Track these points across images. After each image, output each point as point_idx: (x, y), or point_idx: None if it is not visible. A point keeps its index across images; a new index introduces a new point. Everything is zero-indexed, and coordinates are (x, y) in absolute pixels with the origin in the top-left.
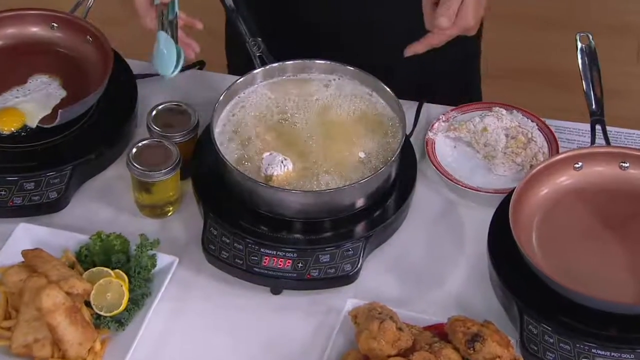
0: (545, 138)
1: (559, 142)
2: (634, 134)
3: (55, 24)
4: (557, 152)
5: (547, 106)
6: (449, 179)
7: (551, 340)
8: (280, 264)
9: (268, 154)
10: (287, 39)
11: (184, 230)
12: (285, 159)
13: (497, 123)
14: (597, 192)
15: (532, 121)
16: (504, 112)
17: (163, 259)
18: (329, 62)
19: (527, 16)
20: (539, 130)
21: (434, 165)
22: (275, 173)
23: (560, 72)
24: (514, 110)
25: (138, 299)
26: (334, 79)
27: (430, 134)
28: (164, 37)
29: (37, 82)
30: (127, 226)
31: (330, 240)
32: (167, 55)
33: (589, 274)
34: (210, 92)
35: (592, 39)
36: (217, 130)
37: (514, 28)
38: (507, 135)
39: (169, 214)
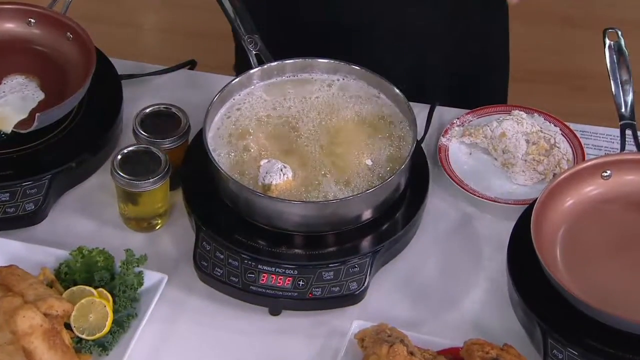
0: (570, 144)
1: (584, 149)
2: None
3: (32, 20)
4: (583, 159)
5: (571, 110)
6: (464, 188)
7: None
8: (279, 282)
9: (266, 161)
10: (289, 38)
11: (173, 245)
12: (285, 167)
13: (517, 127)
14: (627, 203)
15: (555, 125)
16: (524, 115)
17: (151, 277)
18: (331, 61)
19: (548, 14)
20: (563, 135)
21: (448, 174)
22: (274, 182)
23: (585, 74)
24: (535, 114)
25: (123, 321)
26: (338, 79)
27: (443, 140)
28: None
29: (13, 83)
30: (112, 241)
31: (334, 255)
32: None
33: (619, 293)
34: (202, 94)
35: (621, 35)
36: (210, 135)
37: (532, 27)
38: (527, 141)
39: (158, 227)
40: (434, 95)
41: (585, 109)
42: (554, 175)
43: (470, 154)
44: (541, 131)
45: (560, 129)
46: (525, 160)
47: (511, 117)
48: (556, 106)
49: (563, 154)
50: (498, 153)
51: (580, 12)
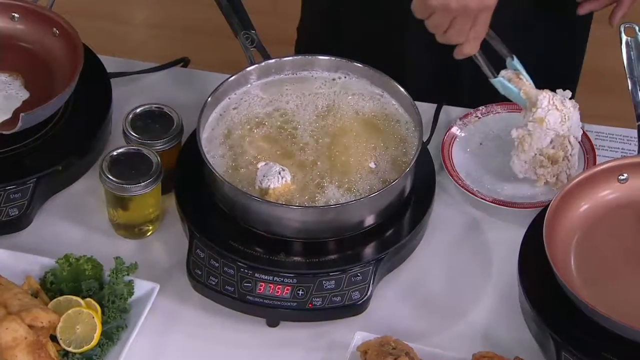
0: (581, 147)
1: (596, 152)
2: None
3: (16, 15)
4: (595, 164)
5: (586, 111)
6: (471, 193)
7: None
8: (277, 292)
9: (263, 163)
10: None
11: (165, 252)
12: (283, 170)
13: (557, 124)
14: None
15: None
16: (572, 110)
17: (141, 286)
18: (333, 58)
19: None
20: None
21: (451, 175)
22: (271, 186)
23: (600, 71)
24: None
25: (112, 333)
26: (339, 77)
27: (455, 127)
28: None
29: None
30: (100, 248)
31: (336, 263)
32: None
33: (637, 304)
34: (196, 93)
35: (639, 30)
36: (204, 136)
37: None
38: (551, 142)
39: (149, 233)
40: (443, 94)
41: (600, 109)
42: (545, 182)
43: (481, 144)
44: (567, 139)
45: None
46: (535, 155)
47: (562, 107)
48: None
49: (567, 168)
50: (524, 129)
51: None
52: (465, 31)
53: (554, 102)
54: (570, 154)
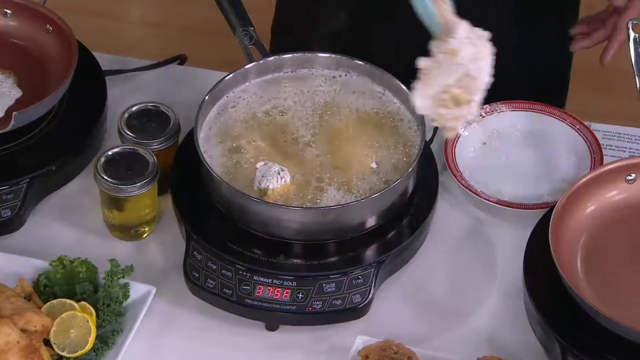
0: (588, 146)
1: (603, 151)
2: None
3: (8, 11)
4: (602, 164)
5: (592, 110)
6: (475, 193)
7: None
8: (276, 295)
9: (262, 163)
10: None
11: (162, 254)
12: (283, 170)
13: (470, 62)
14: None
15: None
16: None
17: (137, 289)
18: (333, 56)
19: None
20: (581, 135)
21: (454, 175)
22: (270, 186)
23: (606, 70)
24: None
25: (107, 337)
26: (340, 75)
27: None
28: None
29: None
30: (95, 250)
31: (336, 266)
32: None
33: None
34: (193, 91)
35: None
36: (201, 135)
37: None
38: (459, 80)
39: (145, 235)
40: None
41: (608, 107)
42: (441, 125)
43: (485, 143)
44: (475, 82)
45: (579, 129)
46: (439, 92)
47: (478, 45)
48: (575, 105)
49: (468, 113)
50: (433, 59)
51: (602, 1)
52: None
53: (471, 36)
54: (474, 99)
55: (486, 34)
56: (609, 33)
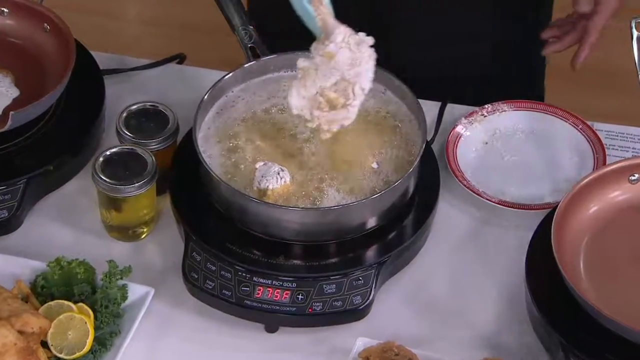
0: (591, 146)
1: (606, 151)
2: None
3: (5, 10)
4: (604, 164)
5: (596, 109)
6: (476, 193)
7: None
8: (276, 296)
9: (261, 163)
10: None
11: (160, 255)
12: (282, 170)
13: (346, 66)
14: None
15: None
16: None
17: (135, 290)
18: None
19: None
20: (583, 134)
21: (455, 175)
22: (270, 186)
23: (608, 69)
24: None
25: (105, 339)
26: None
27: (460, 126)
28: None
29: None
30: (93, 251)
31: (336, 267)
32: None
33: None
34: (192, 90)
35: None
36: (200, 135)
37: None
38: (335, 84)
39: (143, 236)
40: (445, 92)
41: (610, 107)
42: (318, 126)
43: (487, 143)
44: (352, 87)
45: (581, 129)
46: (316, 93)
47: (356, 50)
48: (578, 104)
49: (344, 118)
50: (311, 61)
51: None
52: None
53: (349, 41)
54: (351, 104)
55: (368, 40)
56: (579, 36)
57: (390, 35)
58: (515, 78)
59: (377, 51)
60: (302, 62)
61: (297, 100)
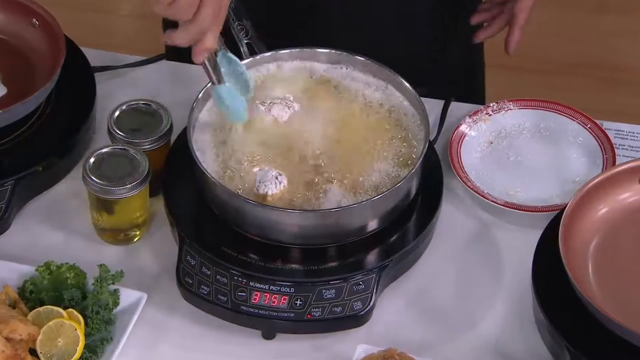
0: (600, 146)
1: (615, 151)
2: None
3: None
4: (614, 164)
5: (605, 107)
6: (480, 195)
7: None
8: (273, 302)
9: (258, 169)
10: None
11: (154, 259)
12: (280, 174)
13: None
14: None
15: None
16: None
17: (128, 296)
18: (332, 51)
19: None
20: (592, 135)
21: (459, 176)
22: (269, 192)
23: (620, 65)
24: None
25: (96, 346)
26: (341, 68)
27: (464, 126)
28: (225, 91)
29: None
30: (83, 255)
31: (336, 271)
32: (232, 106)
33: None
34: (186, 88)
35: None
36: (194, 134)
37: (557, 12)
38: None
39: (136, 239)
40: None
41: (620, 105)
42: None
43: (492, 143)
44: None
45: (590, 128)
46: None
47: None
48: (587, 102)
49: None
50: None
51: None
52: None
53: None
54: None
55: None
56: (508, 18)
57: (324, 21)
58: (456, 58)
59: (315, 39)
60: None
61: None
